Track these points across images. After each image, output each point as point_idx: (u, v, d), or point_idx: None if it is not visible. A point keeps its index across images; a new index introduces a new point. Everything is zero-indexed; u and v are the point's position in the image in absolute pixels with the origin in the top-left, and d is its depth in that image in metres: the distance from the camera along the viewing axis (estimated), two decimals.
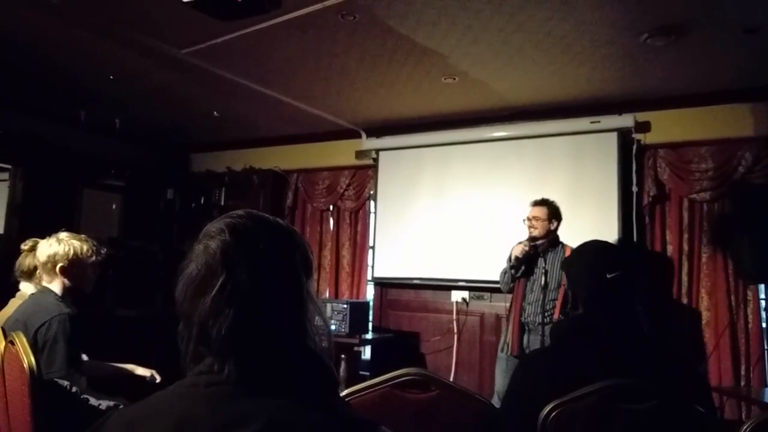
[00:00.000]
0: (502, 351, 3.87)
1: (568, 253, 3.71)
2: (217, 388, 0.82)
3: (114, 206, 6.18)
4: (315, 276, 5.83)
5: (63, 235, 2.52)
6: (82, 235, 2.59)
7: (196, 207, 6.32)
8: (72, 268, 2.47)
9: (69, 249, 2.48)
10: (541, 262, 3.75)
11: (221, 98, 4.99)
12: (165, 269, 5.76)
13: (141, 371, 2.86)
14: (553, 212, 3.80)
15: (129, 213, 6.21)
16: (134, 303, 5.46)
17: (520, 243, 3.80)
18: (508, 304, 3.93)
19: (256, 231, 0.91)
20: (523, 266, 3.77)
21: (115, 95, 4.98)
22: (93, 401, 2.29)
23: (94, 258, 2.55)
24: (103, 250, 2.64)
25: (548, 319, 3.66)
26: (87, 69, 4.40)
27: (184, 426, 0.79)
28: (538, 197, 3.90)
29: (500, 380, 3.83)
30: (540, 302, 3.70)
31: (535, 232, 3.76)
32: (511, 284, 3.87)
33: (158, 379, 2.81)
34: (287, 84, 4.55)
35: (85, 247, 2.53)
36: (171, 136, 6.37)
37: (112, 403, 2.31)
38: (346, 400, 1.59)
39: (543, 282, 3.67)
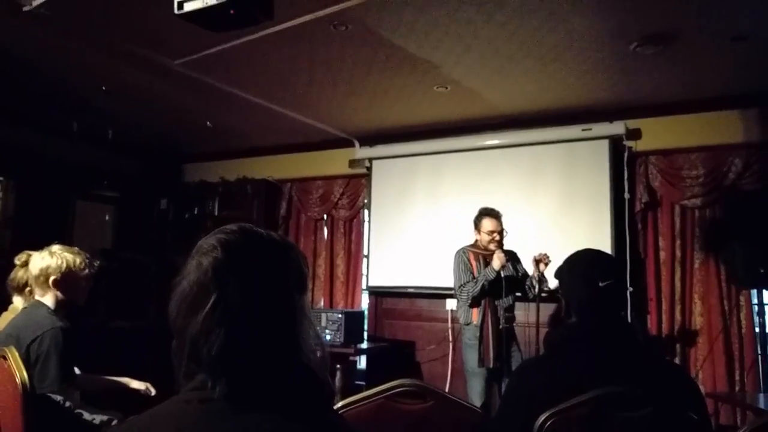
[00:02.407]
0: (479, 365, 3.75)
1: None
2: (209, 405, 0.81)
3: (107, 217, 6.16)
4: (309, 285, 5.86)
5: (55, 247, 2.51)
6: (75, 248, 2.57)
7: (190, 217, 6.30)
8: (65, 281, 2.46)
9: (62, 262, 2.47)
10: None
11: (214, 108, 5.00)
12: (158, 280, 5.73)
13: (135, 384, 2.84)
14: (502, 222, 3.89)
15: (122, 224, 6.19)
16: (128, 315, 5.42)
17: (499, 253, 3.78)
18: (468, 317, 3.87)
19: (249, 247, 0.91)
20: (502, 276, 3.78)
21: (107, 106, 4.97)
22: (87, 415, 2.27)
23: (87, 271, 2.54)
24: (96, 263, 2.63)
25: (511, 324, 3.87)
26: (79, 80, 4.39)
27: None
28: (488, 209, 3.94)
29: (478, 397, 3.76)
30: (511, 307, 3.87)
31: (497, 244, 3.81)
32: (483, 297, 3.80)
33: (153, 392, 2.79)
34: (280, 94, 4.57)
35: (78, 260, 2.51)
36: (164, 146, 6.37)
37: (106, 418, 2.29)
38: (341, 412, 1.58)
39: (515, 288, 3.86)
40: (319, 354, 0.90)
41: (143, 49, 3.74)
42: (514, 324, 3.92)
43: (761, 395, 3.81)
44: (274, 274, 0.90)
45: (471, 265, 3.89)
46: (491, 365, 3.72)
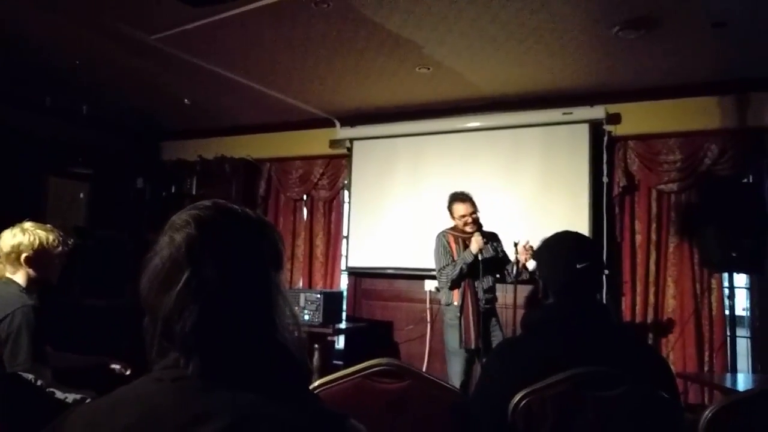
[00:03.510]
0: (460, 346, 3.78)
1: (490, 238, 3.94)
2: (182, 383, 0.80)
3: (81, 195, 6.04)
4: (288, 266, 5.86)
5: (28, 224, 2.45)
6: (48, 225, 2.52)
7: (167, 196, 6.22)
8: (37, 258, 2.41)
9: (34, 239, 2.41)
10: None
11: (192, 85, 4.90)
12: (134, 259, 5.63)
13: (112, 363, 2.81)
14: (475, 204, 3.89)
15: (97, 202, 6.08)
16: (103, 293, 5.35)
17: (477, 236, 3.80)
18: (449, 299, 3.90)
19: (223, 223, 0.89)
20: (480, 258, 3.80)
21: (82, 81, 4.85)
22: (59, 394, 2.24)
23: (60, 248, 2.49)
24: (70, 241, 2.57)
25: (495, 303, 3.93)
26: (52, 54, 4.27)
27: (148, 421, 0.78)
28: (459, 193, 3.92)
29: (457, 376, 3.81)
30: (492, 288, 3.90)
31: (474, 226, 3.83)
32: (463, 279, 3.83)
33: (128, 371, 2.76)
34: (260, 72, 4.49)
35: (51, 237, 2.46)
36: (141, 123, 6.25)
37: (79, 396, 2.26)
38: (318, 391, 1.58)
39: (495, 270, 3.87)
40: (295, 332, 0.89)
41: (119, 23, 3.64)
42: (496, 304, 3.96)
43: (728, 375, 3.91)
44: (249, 250, 0.88)
45: (450, 247, 3.91)
46: (472, 346, 3.75)
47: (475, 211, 3.86)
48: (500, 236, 4.06)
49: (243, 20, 3.49)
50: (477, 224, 3.86)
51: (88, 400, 2.25)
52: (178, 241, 0.85)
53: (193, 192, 6.09)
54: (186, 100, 5.31)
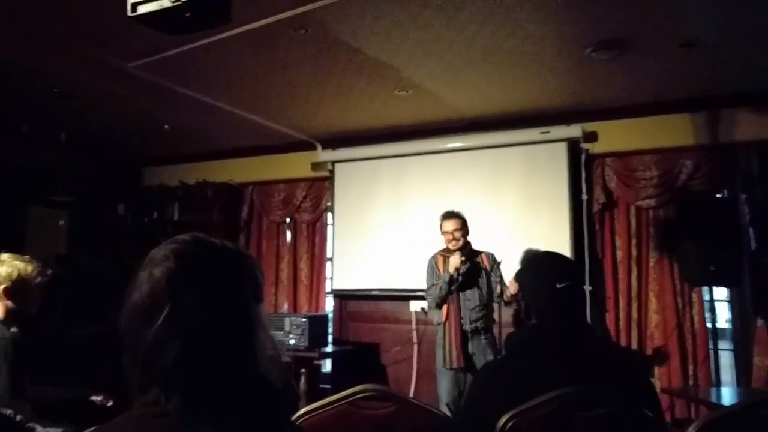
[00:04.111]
0: (443, 366, 3.81)
1: (484, 258, 3.92)
2: (164, 420, 0.80)
3: (61, 222, 5.96)
4: (273, 290, 5.83)
5: (5, 256, 2.43)
6: (26, 256, 2.49)
7: (149, 222, 6.16)
8: (15, 289, 2.38)
9: (12, 270, 2.39)
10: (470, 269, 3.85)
11: (173, 111, 4.90)
12: (117, 286, 5.54)
13: (93, 396, 2.76)
14: (464, 222, 3.91)
15: (78, 229, 6.00)
16: (85, 321, 5.26)
17: (445, 255, 3.84)
18: (438, 318, 3.91)
19: (203, 257, 0.89)
20: (460, 277, 3.81)
21: (60, 108, 4.82)
22: (40, 429, 2.20)
23: (39, 279, 2.47)
24: (49, 271, 2.55)
25: (486, 323, 3.84)
26: (29, 81, 4.25)
27: None
28: (447, 211, 3.96)
29: (446, 393, 3.81)
30: (479, 308, 3.82)
31: (459, 243, 3.85)
32: (447, 298, 3.84)
33: (110, 402, 2.71)
34: (240, 97, 4.51)
35: (29, 268, 2.44)
36: (121, 149, 6.21)
37: (60, 431, 2.22)
38: (304, 419, 1.57)
39: (486, 288, 3.82)
40: (276, 364, 0.89)
41: (97, 50, 3.64)
42: (489, 324, 3.87)
43: (713, 389, 3.95)
44: (229, 283, 0.88)
45: (438, 268, 3.95)
46: (454, 365, 3.75)
47: (459, 228, 3.86)
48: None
49: (222, 47, 3.51)
50: (463, 242, 3.86)
51: None
52: (157, 275, 0.85)
53: (175, 218, 6.04)
54: (166, 126, 5.30)
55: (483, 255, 3.94)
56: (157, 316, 0.82)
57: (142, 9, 2.22)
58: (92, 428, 0.90)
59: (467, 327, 3.80)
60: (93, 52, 3.65)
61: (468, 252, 3.89)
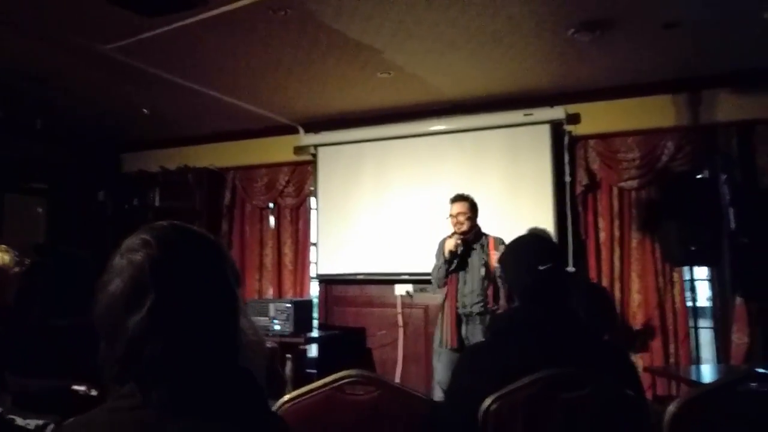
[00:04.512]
0: (439, 345, 3.87)
1: (491, 242, 3.84)
2: (141, 412, 0.78)
3: (39, 210, 5.86)
4: (257, 275, 5.80)
5: None
6: (3, 245, 2.45)
7: (130, 209, 6.08)
8: None
9: None
10: (474, 253, 3.83)
11: (152, 95, 4.81)
12: (98, 276, 5.50)
13: (76, 386, 2.73)
14: (472, 205, 3.89)
15: (57, 217, 5.91)
16: (67, 311, 5.19)
17: (450, 237, 3.85)
18: (441, 298, 3.94)
19: (185, 244, 0.87)
20: (456, 260, 3.82)
21: (35, 94, 4.71)
22: (20, 421, 2.16)
23: (17, 269, 2.42)
24: (27, 261, 2.50)
25: (486, 307, 3.77)
26: (1, 66, 4.14)
27: None
28: (455, 194, 3.93)
29: (440, 372, 3.86)
30: (476, 292, 3.79)
31: (464, 227, 3.83)
32: (445, 279, 3.89)
33: (94, 392, 2.68)
34: (220, 80, 4.44)
35: (6, 258, 2.40)
36: (100, 135, 6.09)
37: (41, 422, 2.19)
38: (288, 405, 1.57)
39: (483, 272, 3.75)
40: (258, 350, 0.88)
41: (72, 33, 3.55)
42: (487, 308, 3.80)
43: (693, 367, 4.02)
44: (213, 269, 0.86)
45: (444, 250, 3.91)
46: (448, 346, 3.78)
47: (463, 212, 3.82)
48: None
49: (200, 29, 3.43)
50: (468, 226, 3.82)
51: (51, 426, 2.18)
52: (139, 262, 0.82)
53: (156, 204, 5.97)
54: (145, 110, 5.21)
55: (491, 239, 3.87)
56: (140, 306, 0.79)
57: None
58: (69, 420, 0.88)
59: (462, 310, 3.81)
60: (68, 34, 3.56)
61: (473, 236, 3.86)
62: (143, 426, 0.77)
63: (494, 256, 3.73)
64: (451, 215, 3.88)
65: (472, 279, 3.83)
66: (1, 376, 2.24)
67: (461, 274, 3.85)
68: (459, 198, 3.90)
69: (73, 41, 3.64)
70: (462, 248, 3.81)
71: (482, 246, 3.87)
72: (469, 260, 3.84)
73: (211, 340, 0.82)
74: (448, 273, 3.85)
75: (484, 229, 3.96)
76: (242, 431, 0.77)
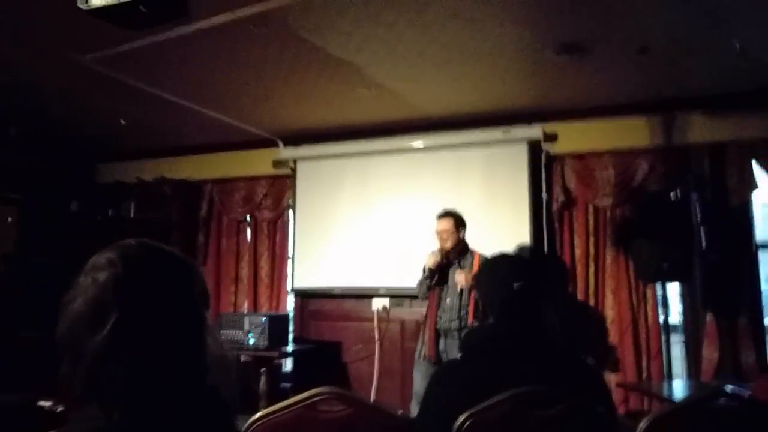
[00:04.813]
0: (419, 357, 3.95)
1: (477, 259, 3.86)
2: None
3: (10, 219, 5.74)
4: (233, 289, 5.74)
5: None
6: None
7: (104, 220, 5.98)
8: None
9: None
10: (453, 270, 3.85)
11: (129, 106, 4.76)
12: (70, 287, 5.39)
13: (42, 402, 2.67)
14: (458, 221, 3.92)
15: (28, 227, 5.79)
16: (38, 323, 5.08)
17: (432, 253, 3.89)
18: (425, 311, 3.99)
19: (151, 262, 0.86)
20: (436, 276, 3.85)
21: (8, 102, 4.64)
22: None
23: None
24: None
25: (463, 324, 3.78)
26: None
27: None
28: (441, 210, 4.00)
29: (419, 383, 3.90)
30: (455, 309, 3.81)
31: (447, 244, 3.86)
32: (427, 293, 3.94)
33: (59, 408, 2.63)
34: (199, 92, 4.42)
35: None
36: (75, 144, 6.00)
37: None
38: (260, 422, 1.55)
39: (458, 289, 3.77)
40: (224, 367, 0.87)
41: (50, 42, 3.51)
42: (465, 324, 3.80)
43: (665, 383, 4.07)
44: (180, 290, 0.85)
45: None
46: (426, 359, 3.83)
47: (446, 229, 3.86)
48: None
49: (181, 42, 3.42)
50: (452, 242, 3.85)
51: None
52: (103, 281, 0.81)
53: (132, 215, 5.89)
54: (122, 121, 5.15)
55: (476, 256, 3.89)
56: (103, 325, 0.78)
57: (96, 2, 2.15)
58: None
59: (440, 325, 3.84)
60: (46, 43, 3.52)
61: (457, 252, 3.88)
62: None
63: (460, 273, 3.77)
64: (436, 231, 3.91)
65: (452, 295, 3.85)
66: None
67: (443, 289, 3.88)
68: (443, 215, 3.94)
69: (50, 50, 3.60)
70: (443, 264, 3.85)
71: (467, 261, 3.90)
72: (449, 277, 3.87)
73: (175, 360, 0.81)
74: (429, 288, 3.89)
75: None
76: None
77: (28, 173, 5.78)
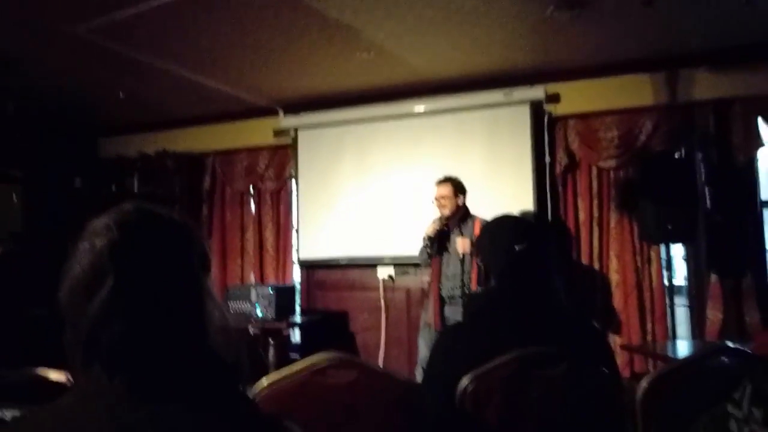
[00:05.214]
0: (425, 325, 4.00)
1: (477, 225, 3.84)
2: (107, 398, 0.77)
3: (14, 198, 5.75)
4: (239, 261, 5.76)
5: None
6: None
7: (107, 195, 5.98)
8: None
9: None
10: (453, 236, 3.84)
11: (127, 78, 4.71)
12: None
13: (53, 375, 2.70)
14: (457, 187, 3.90)
15: (32, 205, 5.80)
16: (46, 300, 5.13)
17: (433, 222, 3.88)
18: (428, 280, 4.02)
19: (148, 227, 0.85)
20: (436, 244, 3.85)
21: (5, 77, 4.59)
22: None
23: None
24: (0, 249, 2.45)
25: (467, 290, 3.80)
26: None
27: None
28: (441, 176, 3.97)
29: (423, 350, 3.95)
30: (458, 276, 3.81)
31: (446, 211, 3.85)
32: (429, 261, 3.95)
33: (67, 378, 2.65)
34: (197, 61, 4.36)
35: None
36: (75, 120, 5.97)
37: (18, 413, 2.17)
38: (265, 389, 1.56)
39: (460, 256, 3.77)
40: (226, 335, 0.87)
41: (40, 14, 3.45)
42: (467, 290, 3.83)
43: (669, 343, 4.09)
44: (176, 253, 0.85)
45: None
46: (431, 326, 3.85)
47: (445, 195, 3.85)
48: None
49: (176, 9, 3.37)
50: (451, 209, 3.84)
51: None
52: (99, 247, 0.81)
53: (135, 190, 5.89)
54: (121, 94, 5.10)
55: (477, 221, 3.88)
56: (99, 290, 0.79)
57: None
58: (37, 408, 0.87)
59: (444, 292, 3.85)
60: (36, 15, 3.46)
61: (457, 218, 3.87)
62: (107, 410, 0.76)
63: (460, 239, 3.77)
64: (435, 198, 3.89)
65: (454, 262, 3.85)
66: None
67: (445, 256, 3.88)
68: (442, 181, 3.92)
69: (43, 21, 3.55)
70: (443, 231, 3.84)
71: (468, 228, 3.88)
72: (449, 243, 3.86)
73: (173, 323, 0.82)
74: (429, 256, 3.89)
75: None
76: (209, 414, 0.76)
77: (30, 150, 5.76)
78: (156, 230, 0.86)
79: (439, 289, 3.87)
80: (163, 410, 0.76)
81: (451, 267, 3.86)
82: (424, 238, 3.90)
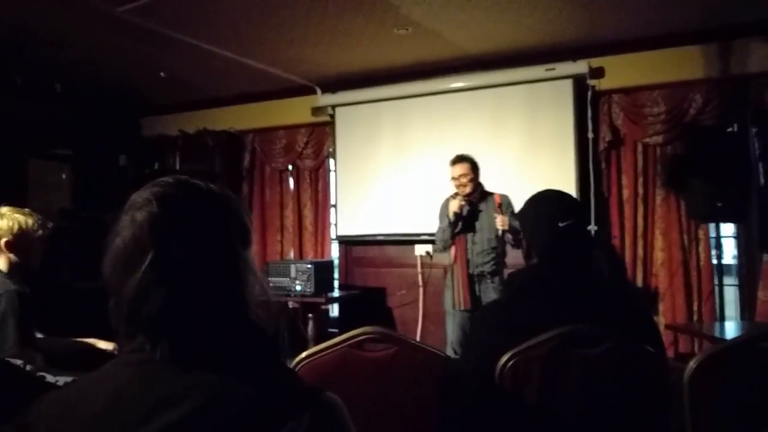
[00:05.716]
0: (452, 307, 3.89)
1: (497, 200, 3.80)
2: (149, 367, 0.79)
3: (64, 176, 5.95)
4: (278, 237, 5.84)
5: (5, 209, 2.41)
6: (26, 209, 2.48)
7: (150, 173, 6.13)
8: (18, 242, 2.38)
9: (13, 223, 2.38)
10: (483, 213, 3.81)
11: (167, 58, 4.79)
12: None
13: (102, 345, 2.80)
14: (473, 165, 3.83)
15: (81, 182, 5.99)
16: (93, 274, 5.31)
17: (453, 199, 3.82)
18: (449, 260, 3.93)
19: (186, 200, 0.86)
20: (461, 222, 3.79)
21: (52, 59, 4.72)
22: (50, 378, 2.24)
23: (40, 232, 2.46)
24: (50, 224, 2.54)
25: (495, 267, 3.80)
26: (16, 32, 4.13)
27: (116, 406, 0.77)
28: (455, 156, 3.89)
29: (452, 332, 3.90)
30: (487, 252, 3.79)
31: (467, 189, 3.79)
32: (451, 241, 3.88)
33: (115, 348, 2.75)
34: (235, 40, 4.38)
35: (30, 221, 2.43)
36: (119, 99, 6.11)
37: (70, 379, 2.26)
38: (305, 362, 1.58)
39: (499, 233, 3.72)
40: (267, 308, 0.87)
41: None
42: (499, 266, 3.86)
43: (717, 324, 3.97)
44: (215, 227, 0.85)
45: (448, 210, 3.90)
46: (461, 307, 3.79)
47: (465, 173, 3.80)
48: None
49: None
50: (472, 187, 3.80)
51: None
52: (139, 220, 0.82)
53: (177, 167, 6.01)
54: (162, 73, 5.19)
55: (496, 196, 3.84)
56: (140, 262, 0.80)
57: None
58: (82, 375, 0.90)
59: (473, 270, 3.82)
60: None
61: (477, 195, 3.84)
62: (150, 379, 0.78)
63: (500, 216, 3.69)
64: (453, 177, 3.83)
65: (481, 239, 3.81)
66: (30, 336, 2.30)
67: (469, 234, 3.83)
68: (459, 159, 3.84)
69: (84, 3, 3.61)
70: (468, 209, 3.79)
71: (488, 204, 3.84)
72: (477, 221, 3.82)
73: (213, 294, 0.82)
74: (454, 235, 3.83)
75: (505, 188, 3.91)
76: (250, 384, 0.77)
77: (78, 131, 5.94)
78: (195, 202, 0.86)
79: (468, 268, 3.83)
80: (205, 379, 0.77)
81: (478, 244, 3.82)
82: (448, 216, 3.82)
